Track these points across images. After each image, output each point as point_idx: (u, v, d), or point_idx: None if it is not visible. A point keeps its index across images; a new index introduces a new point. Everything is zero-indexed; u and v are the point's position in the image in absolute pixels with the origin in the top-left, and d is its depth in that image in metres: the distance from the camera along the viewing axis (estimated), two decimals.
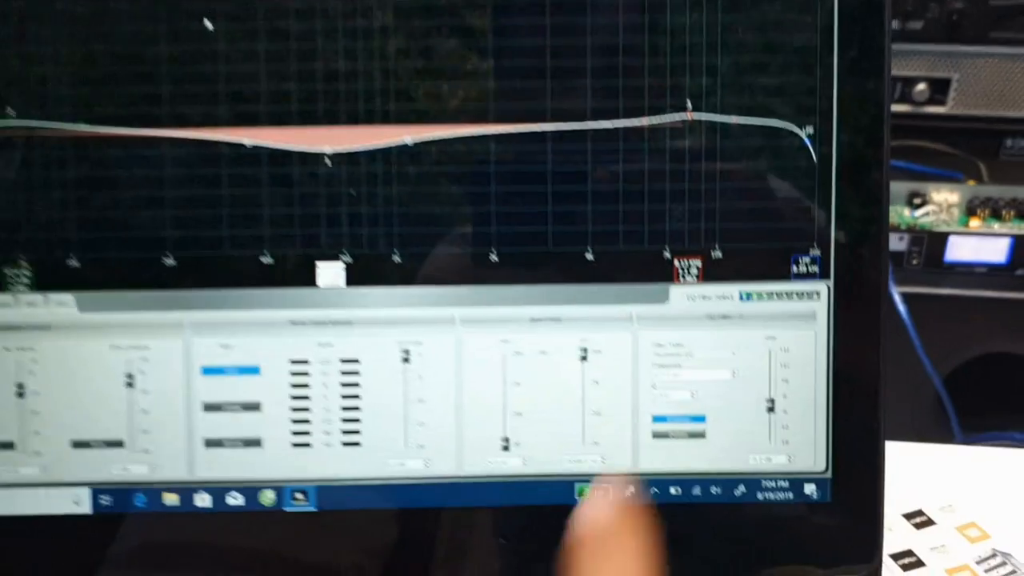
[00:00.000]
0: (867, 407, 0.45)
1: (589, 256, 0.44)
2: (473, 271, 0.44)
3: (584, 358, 0.44)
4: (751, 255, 0.44)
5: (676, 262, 0.44)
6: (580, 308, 0.44)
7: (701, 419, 0.45)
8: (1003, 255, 1.06)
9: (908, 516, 0.51)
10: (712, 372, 0.45)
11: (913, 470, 0.54)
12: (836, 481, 0.45)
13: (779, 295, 0.44)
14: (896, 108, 1.07)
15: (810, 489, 0.45)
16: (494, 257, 0.44)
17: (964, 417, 1.02)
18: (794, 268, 0.44)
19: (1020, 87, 1.07)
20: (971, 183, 1.06)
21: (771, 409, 0.45)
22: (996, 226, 1.05)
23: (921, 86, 1.07)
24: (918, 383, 1.02)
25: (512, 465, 0.45)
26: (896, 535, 0.50)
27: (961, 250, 1.06)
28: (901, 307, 1.00)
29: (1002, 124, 1.09)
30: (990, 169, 1.09)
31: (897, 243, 1.05)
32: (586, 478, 0.45)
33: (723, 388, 0.45)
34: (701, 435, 0.45)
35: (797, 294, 0.44)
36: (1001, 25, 1.05)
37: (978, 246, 1.06)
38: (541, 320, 0.44)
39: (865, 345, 0.44)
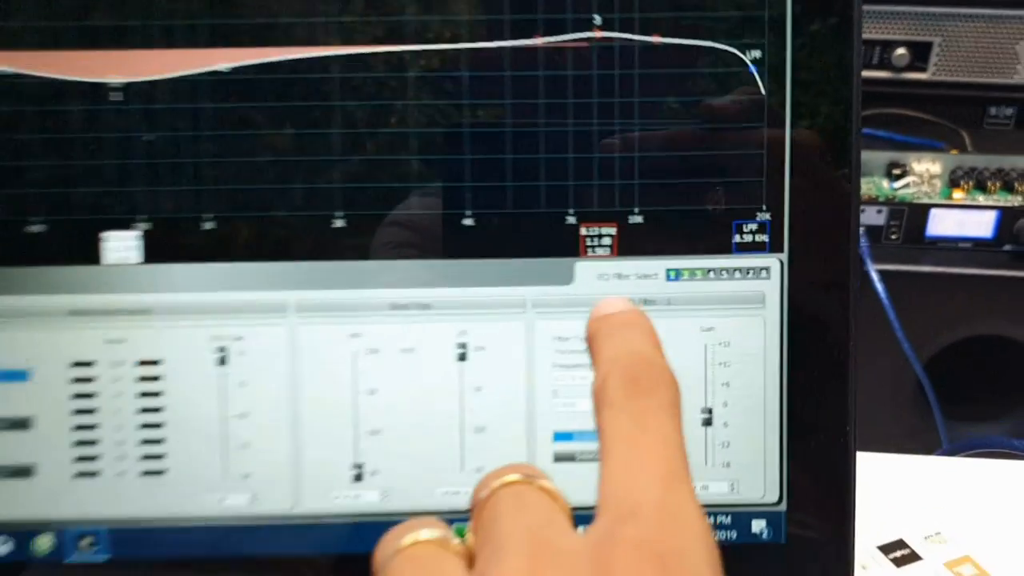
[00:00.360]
0: (834, 417, 0.34)
1: (468, 221, 0.33)
2: (313, 242, 0.33)
3: (463, 357, 0.34)
4: (680, 221, 0.33)
5: (583, 230, 0.33)
6: (457, 291, 0.33)
7: None
8: (989, 229, 1.00)
9: (886, 549, 0.41)
10: None
11: (891, 488, 0.44)
12: (793, 515, 0.35)
13: (717, 273, 0.34)
14: (874, 74, 1.03)
15: (759, 526, 0.35)
16: (340, 222, 0.33)
17: (947, 406, 0.94)
18: (737, 238, 0.33)
19: (1005, 51, 1.00)
20: (954, 152, 1.00)
21: (708, 422, 0.34)
22: (981, 198, 0.98)
23: (901, 51, 1.01)
24: (897, 368, 0.94)
25: (368, 500, 0.34)
26: (871, 575, 0.40)
27: (944, 224, 1.00)
28: (879, 286, 0.92)
29: (986, 91, 1.03)
30: (974, 138, 1.03)
31: (875, 217, 0.98)
32: (467, 516, 0.34)
33: None
34: None
35: (741, 271, 0.34)
36: None
37: (962, 219, 1.00)
38: (405, 307, 0.33)
39: (831, 336, 0.34)
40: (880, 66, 1.01)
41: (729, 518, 0.34)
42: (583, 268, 0.33)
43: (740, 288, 0.34)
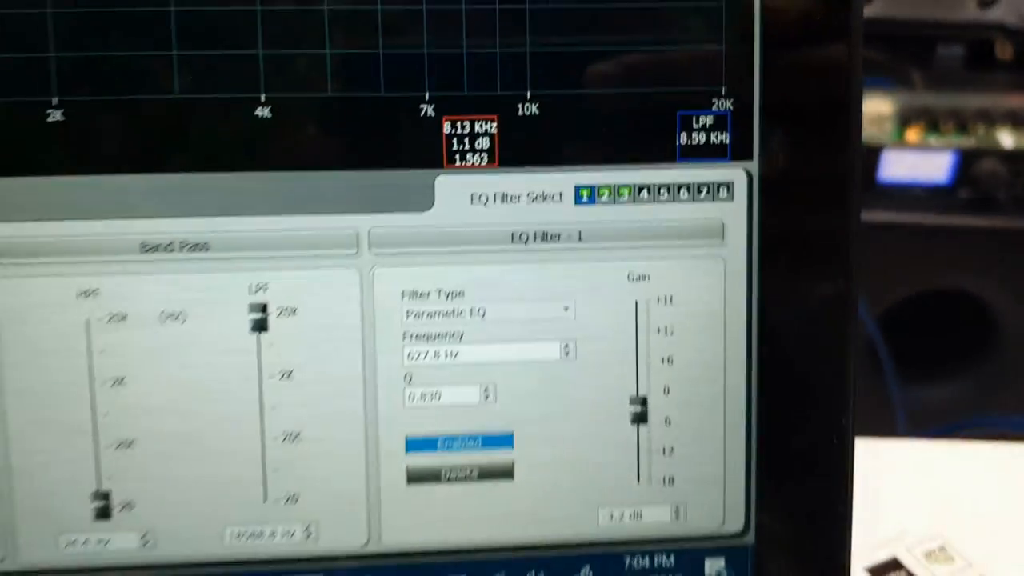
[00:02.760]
0: (825, 408, 0.23)
1: (263, 112, 0.21)
2: (13, 145, 0.21)
3: (262, 325, 0.22)
4: (595, 113, 0.22)
5: (447, 126, 0.21)
6: (251, 221, 0.21)
7: (504, 441, 0.23)
8: (944, 173, 0.93)
9: (877, 572, 0.30)
10: (524, 347, 0.22)
11: (875, 485, 0.33)
12: (763, 550, 0.23)
13: (654, 192, 0.22)
14: None
15: (715, 567, 0.24)
16: (57, 114, 0.21)
17: (900, 366, 0.88)
18: (683, 138, 0.22)
19: None
20: (903, 92, 0.94)
21: (641, 417, 0.23)
22: (934, 140, 0.91)
23: None
24: None
25: (121, 547, 0.22)
26: None
27: (897, 167, 0.94)
28: None
29: (935, 29, 0.97)
30: (923, 77, 0.96)
31: None
32: (276, 568, 0.22)
33: (547, 379, 0.22)
34: (505, 474, 0.23)
35: (689, 190, 0.22)
36: None
37: (916, 163, 0.94)
38: (166, 247, 0.21)
39: (822, 287, 0.23)
40: None
41: (671, 558, 0.23)
42: (447, 185, 0.22)
43: (688, 215, 0.22)
